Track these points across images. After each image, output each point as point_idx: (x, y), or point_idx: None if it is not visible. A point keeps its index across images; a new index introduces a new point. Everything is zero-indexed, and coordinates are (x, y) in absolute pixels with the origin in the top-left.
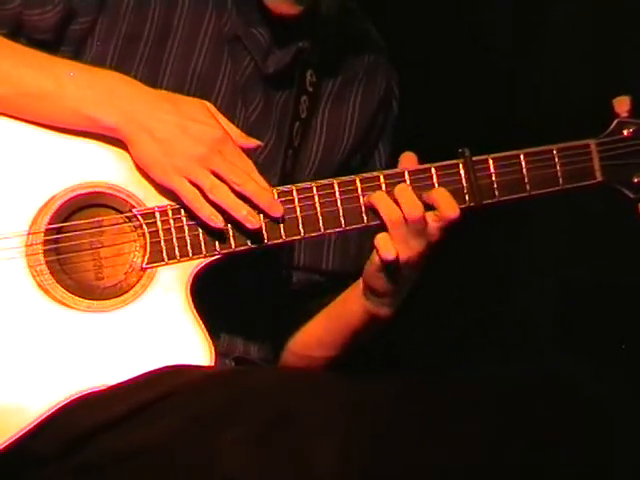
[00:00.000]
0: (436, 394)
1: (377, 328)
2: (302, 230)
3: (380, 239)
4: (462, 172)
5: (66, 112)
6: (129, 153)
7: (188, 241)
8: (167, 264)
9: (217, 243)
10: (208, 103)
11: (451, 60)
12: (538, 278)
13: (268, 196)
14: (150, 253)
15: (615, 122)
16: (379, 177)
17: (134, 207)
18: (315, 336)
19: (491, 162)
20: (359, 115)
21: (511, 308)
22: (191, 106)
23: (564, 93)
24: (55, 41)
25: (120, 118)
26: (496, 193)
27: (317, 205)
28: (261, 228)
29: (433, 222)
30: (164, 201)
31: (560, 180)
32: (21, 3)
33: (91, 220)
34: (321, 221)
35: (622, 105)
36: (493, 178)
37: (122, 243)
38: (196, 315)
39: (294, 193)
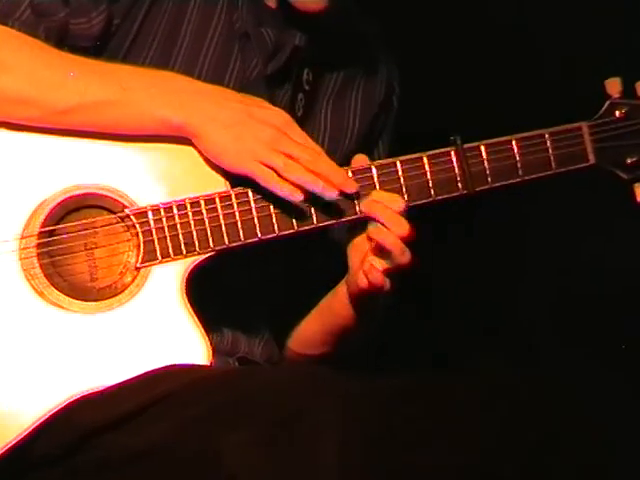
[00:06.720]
0: (438, 394)
1: (366, 325)
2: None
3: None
4: (454, 160)
5: (134, 117)
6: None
7: (181, 239)
8: (161, 263)
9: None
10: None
11: (447, 50)
12: (538, 279)
13: (342, 173)
14: (144, 252)
15: (607, 103)
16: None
17: (127, 207)
18: (308, 335)
19: (483, 148)
20: (361, 111)
21: (511, 309)
22: (252, 97)
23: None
24: (98, 47)
25: (187, 114)
26: (489, 179)
27: None
28: (338, 200)
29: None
30: (156, 200)
31: (552, 164)
32: (68, 13)
33: (84, 221)
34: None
35: (614, 86)
36: (485, 165)
37: (116, 243)
38: (192, 313)
39: None
